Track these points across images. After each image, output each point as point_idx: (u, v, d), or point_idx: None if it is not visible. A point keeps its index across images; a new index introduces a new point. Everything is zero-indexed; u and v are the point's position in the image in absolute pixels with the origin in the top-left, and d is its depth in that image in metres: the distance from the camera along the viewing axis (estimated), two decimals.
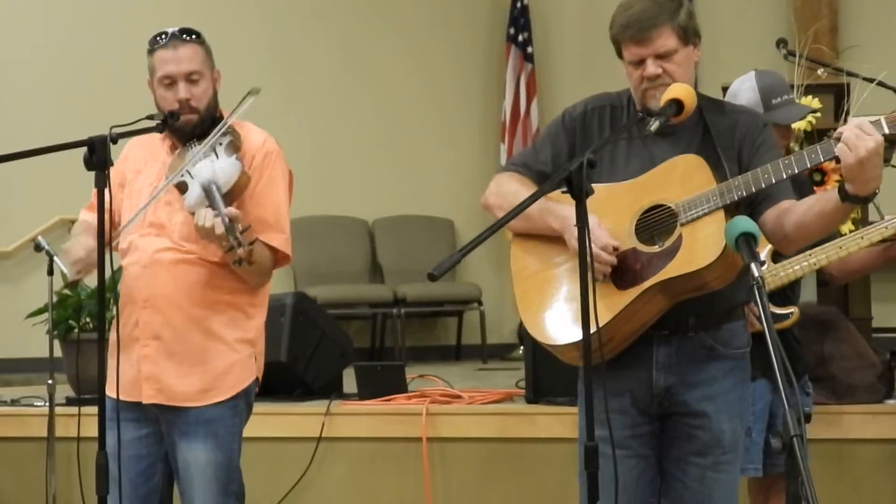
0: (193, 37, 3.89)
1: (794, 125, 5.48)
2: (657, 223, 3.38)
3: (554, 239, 3.46)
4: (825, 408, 5.18)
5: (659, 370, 3.43)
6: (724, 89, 5.36)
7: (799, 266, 4.29)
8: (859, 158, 3.06)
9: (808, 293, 5.45)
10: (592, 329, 3.07)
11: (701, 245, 3.26)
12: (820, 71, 6.04)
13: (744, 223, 2.97)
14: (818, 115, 5.52)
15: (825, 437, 5.13)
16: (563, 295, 3.43)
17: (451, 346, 9.96)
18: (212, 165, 3.74)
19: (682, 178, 3.35)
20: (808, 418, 2.63)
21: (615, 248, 3.34)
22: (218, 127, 3.81)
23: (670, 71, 3.39)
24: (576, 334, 3.30)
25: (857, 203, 3.18)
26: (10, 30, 9.56)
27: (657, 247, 3.34)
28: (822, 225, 3.30)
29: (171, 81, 3.85)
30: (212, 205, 3.67)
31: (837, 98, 6.01)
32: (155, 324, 3.85)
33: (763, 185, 3.26)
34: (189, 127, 3.85)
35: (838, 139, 3.11)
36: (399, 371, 6.23)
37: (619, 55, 3.48)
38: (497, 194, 3.58)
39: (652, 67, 3.39)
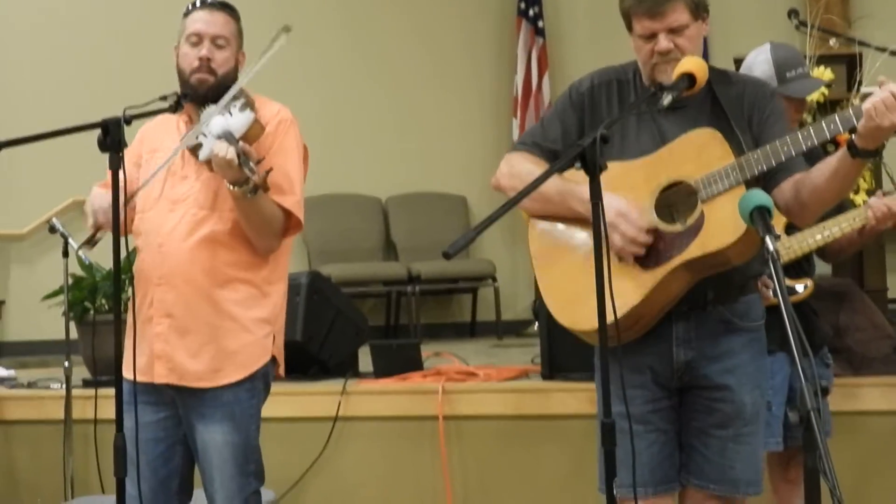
0: (230, 10, 3.95)
1: (808, 97, 5.47)
2: (677, 200, 3.36)
3: (573, 221, 3.45)
4: (841, 380, 5.16)
5: (679, 345, 3.44)
6: (736, 61, 5.36)
7: (813, 239, 4.27)
8: (881, 126, 3.08)
9: (823, 265, 5.44)
10: (620, 312, 3.06)
11: (724, 223, 3.25)
12: (832, 41, 6.02)
13: (758, 196, 2.97)
14: (831, 86, 5.49)
15: (841, 410, 5.12)
16: (586, 279, 3.34)
17: (465, 322, 9.96)
18: (225, 120, 3.74)
19: (698, 153, 3.34)
20: (825, 392, 2.63)
21: (649, 231, 3.33)
22: (236, 84, 3.80)
23: (681, 46, 3.38)
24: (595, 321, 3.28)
25: (867, 157, 3.19)
26: (24, 11, 9.56)
27: (679, 225, 3.33)
28: (836, 185, 3.29)
29: (197, 39, 3.88)
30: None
31: (850, 68, 5.98)
32: (168, 301, 3.84)
33: (783, 158, 3.26)
34: (204, 88, 3.85)
35: (859, 107, 3.11)
36: (414, 349, 6.24)
37: (629, 28, 3.46)
38: (510, 175, 3.57)
39: (664, 42, 3.38)
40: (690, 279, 3.34)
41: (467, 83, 10.24)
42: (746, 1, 9.90)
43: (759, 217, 2.95)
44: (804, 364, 2.63)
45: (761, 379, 3.55)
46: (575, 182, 3.38)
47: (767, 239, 2.87)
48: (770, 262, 2.83)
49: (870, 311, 5.33)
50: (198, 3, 3.93)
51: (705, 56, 3.42)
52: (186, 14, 3.95)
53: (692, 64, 3.33)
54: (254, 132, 3.76)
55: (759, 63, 4.30)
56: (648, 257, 3.33)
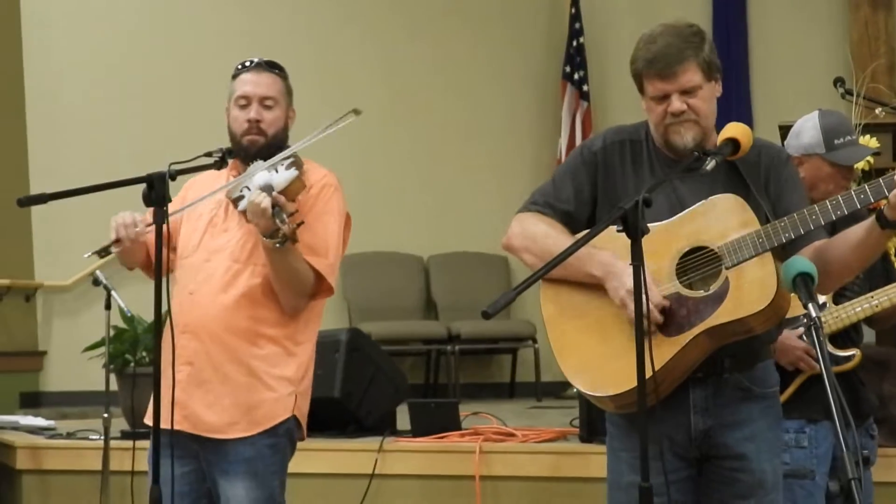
0: (278, 70, 4.01)
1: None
2: (700, 266, 3.32)
3: (588, 285, 3.39)
4: (884, 450, 5.10)
5: (697, 413, 3.38)
6: (781, 128, 5.34)
7: (861, 308, 4.23)
8: None
9: (866, 333, 5.39)
10: (647, 375, 3.02)
11: (750, 290, 3.21)
12: (878, 110, 6.00)
13: (801, 263, 2.95)
14: (877, 154, 5.47)
15: (884, 480, 5.06)
16: (606, 344, 3.35)
17: (505, 383, 9.92)
18: (269, 175, 3.78)
19: (721, 219, 3.29)
20: (867, 462, 2.60)
21: (664, 309, 3.27)
22: (290, 149, 3.86)
23: (695, 106, 3.34)
24: (622, 385, 3.24)
25: (895, 228, 3.16)
26: (73, 67, 9.69)
27: (702, 292, 3.28)
28: (861, 255, 3.27)
29: (246, 102, 3.94)
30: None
31: (895, 137, 5.96)
32: (190, 349, 3.86)
33: (812, 227, 3.23)
34: (254, 148, 3.90)
35: (891, 177, 3.10)
36: (453, 408, 6.22)
37: (640, 90, 3.42)
38: (523, 236, 3.51)
39: (677, 103, 3.33)
40: (711, 346, 3.29)
41: (510, 145, 10.27)
42: (792, 68, 9.92)
43: (802, 284, 2.93)
44: (845, 434, 2.60)
45: (779, 446, 3.50)
46: (592, 246, 3.29)
47: (810, 306, 2.86)
48: (813, 330, 2.81)
49: None
50: (245, 64, 3.99)
51: (750, 123, 3.41)
52: (235, 76, 4.01)
53: (737, 130, 3.31)
54: (294, 188, 3.79)
55: (807, 129, 4.28)
56: (670, 324, 3.27)
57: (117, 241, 3.85)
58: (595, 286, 3.37)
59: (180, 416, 3.84)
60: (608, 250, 3.32)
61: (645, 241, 3.09)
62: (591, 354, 3.38)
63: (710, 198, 3.33)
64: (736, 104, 9.75)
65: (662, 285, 3.31)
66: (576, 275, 3.39)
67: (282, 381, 3.89)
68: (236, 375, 3.85)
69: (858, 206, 3.21)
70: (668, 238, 3.32)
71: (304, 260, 3.81)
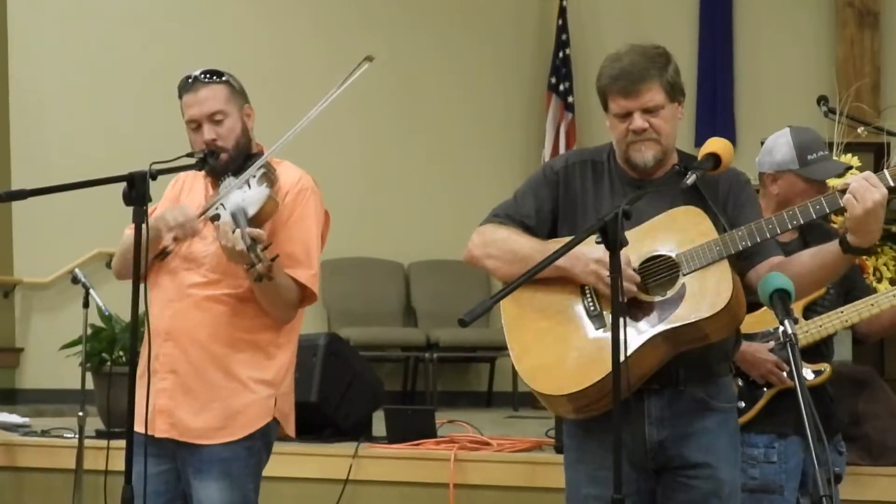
0: (214, 77, 3.94)
1: (832, 183, 5.47)
2: (657, 273, 3.35)
3: (547, 288, 3.41)
4: (858, 468, 5.12)
5: (651, 424, 3.40)
6: (764, 144, 5.36)
7: (830, 323, 4.25)
8: (866, 209, 3.11)
9: (844, 351, 5.41)
10: (594, 379, 3.08)
11: (705, 295, 3.26)
12: (860, 129, 6.03)
13: (778, 280, 2.98)
14: (857, 173, 5.49)
15: (858, 499, 5.07)
16: (565, 343, 3.37)
17: (482, 392, 9.92)
18: (242, 194, 3.77)
19: (681, 229, 3.35)
20: (838, 479, 2.62)
21: (629, 262, 3.30)
22: (312, 112, 3.85)
23: (656, 126, 3.39)
24: (580, 382, 3.26)
25: (858, 254, 3.22)
26: (54, 65, 9.67)
27: (658, 296, 3.32)
28: (822, 276, 3.32)
29: (196, 125, 3.91)
30: (237, 226, 3.68)
31: (877, 157, 5.99)
32: (174, 358, 3.86)
33: (768, 236, 3.27)
34: (220, 166, 3.89)
35: (843, 191, 3.13)
36: (429, 416, 6.22)
37: (605, 107, 3.49)
38: (483, 244, 3.56)
39: (639, 121, 3.38)
40: (667, 352, 3.31)
41: (493, 155, 10.27)
42: (777, 85, 9.95)
43: (778, 300, 2.96)
44: (818, 450, 2.62)
45: (737, 459, 3.51)
46: (551, 243, 3.37)
47: (786, 323, 2.88)
48: (788, 345, 2.83)
49: (889, 400, 5.31)
50: (185, 85, 3.94)
51: (733, 139, 3.45)
52: (180, 96, 3.97)
53: (718, 145, 3.35)
54: (267, 210, 3.77)
55: (780, 146, 4.31)
56: (627, 327, 3.26)
57: (176, 241, 3.84)
58: (558, 285, 3.40)
59: (166, 424, 3.85)
60: None
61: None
62: (549, 354, 3.39)
63: (671, 210, 3.39)
64: (720, 120, 9.77)
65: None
66: (544, 271, 3.37)
67: (261, 383, 3.90)
68: (220, 381, 3.86)
69: (814, 217, 3.26)
70: (629, 246, 3.30)
71: (285, 275, 3.81)
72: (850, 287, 4.36)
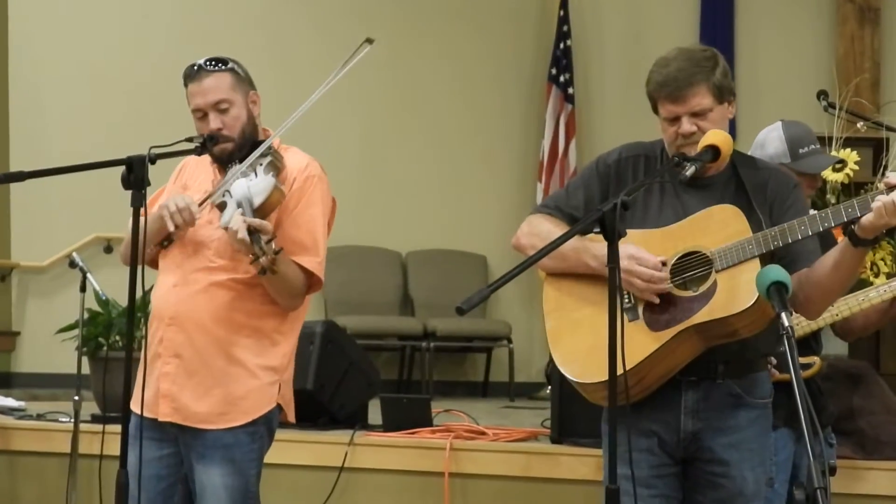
0: (219, 65, 3.93)
1: (832, 178, 5.48)
2: (692, 269, 3.42)
3: (588, 278, 3.50)
4: (852, 462, 5.13)
5: (687, 415, 3.47)
6: None
7: (830, 313, 4.25)
8: (888, 224, 3.15)
9: (840, 346, 5.42)
10: (620, 370, 3.08)
11: (736, 292, 3.31)
12: (860, 124, 6.03)
13: (775, 272, 2.98)
14: (856, 167, 5.50)
15: (852, 493, 5.09)
16: (596, 334, 3.42)
17: (478, 382, 9.93)
18: (247, 183, 3.77)
19: (717, 227, 3.40)
20: (832, 471, 2.62)
21: (664, 263, 3.38)
22: (312, 96, 3.86)
23: (705, 129, 3.44)
24: (599, 375, 3.31)
25: (868, 245, 3.25)
26: (54, 49, 9.66)
27: (691, 291, 3.38)
28: (839, 277, 3.34)
29: (202, 114, 3.91)
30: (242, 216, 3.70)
31: (876, 152, 6.00)
32: (177, 342, 3.86)
33: (799, 237, 3.31)
34: (225, 155, 3.89)
35: (878, 193, 3.14)
36: (425, 405, 6.22)
37: (655, 111, 3.53)
38: (529, 234, 3.62)
39: (687, 125, 3.44)
40: (698, 345, 3.38)
41: (493, 145, 10.27)
42: (777, 81, 9.96)
43: (775, 293, 2.96)
44: (813, 442, 2.62)
45: (765, 456, 3.57)
46: (591, 240, 3.43)
47: (783, 315, 2.88)
48: (784, 338, 2.83)
49: (884, 395, 5.31)
50: (189, 73, 3.94)
51: (733, 133, 3.47)
52: (185, 85, 3.96)
53: (717, 137, 3.38)
54: (273, 200, 3.77)
55: (771, 140, 4.33)
56: (659, 320, 3.38)
57: (177, 229, 3.80)
58: (594, 279, 3.47)
59: (170, 408, 3.86)
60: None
61: (646, 243, 3.32)
62: (583, 344, 3.47)
63: (710, 208, 3.45)
64: None
65: None
66: (575, 266, 3.52)
67: (266, 369, 3.90)
68: (224, 366, 3.86)
69: (845, 219, 3.26)
70: (665, 242, 3.44)
71: (292, 264, 3.81)
72: None
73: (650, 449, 3.47)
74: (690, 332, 3.34)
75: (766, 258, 3.34)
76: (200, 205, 3.81)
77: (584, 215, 3.52)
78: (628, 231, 3.22)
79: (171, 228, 3.77)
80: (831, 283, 3.35)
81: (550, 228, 3.55)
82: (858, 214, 3.23)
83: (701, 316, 3.33)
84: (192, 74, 3.92)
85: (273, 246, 3.62)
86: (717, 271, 3.36)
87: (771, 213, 3.47)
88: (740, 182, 3.50)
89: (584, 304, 3.51)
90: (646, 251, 3.40)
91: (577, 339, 3.50)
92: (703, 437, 3.47)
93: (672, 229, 3.46)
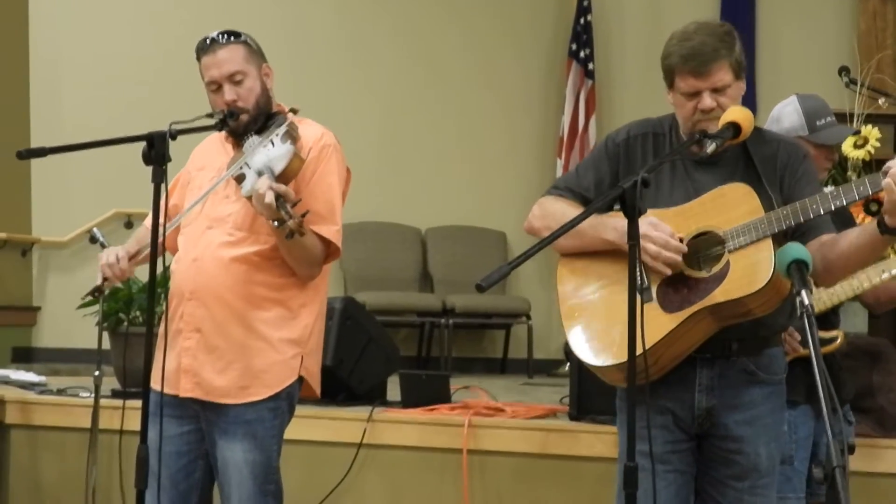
0: (232, 38, 3.94)
1: (853, 154, 5.45)
2: (704, 249, 3.42)
3: (602, 259, 3.50)
4: (871, 440, 5.12)
5: (701, 392, 3.49)
6: None
7: (842, 290, 4.25)
8: None
9: (859, 323, 5.41)
10: (638, 350, 3.08)
11: (750, 272, 3.30)
12: (881, 101, 6.00)
13: (796, 250, 2.98)
14: (878, 144, 5.48)
15: (871, 471, 5.08)
16: (611, 316, 3.44)
17: (497, 358, 9.94)
18: (266, 152, 3.78)
19: (729, 206, 3.40)
20: (851, 449, 2.62)
21: (680, 239, 3.37)
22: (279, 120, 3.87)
23: (724, 104, 3.43)
24: (621, 356, 3.32)
25: (895, 234, 3.22)
26: (73, 25, 9.67)
27: (704, 272, 3.38)
28: (861, 256, 3.35)
29: (216, 86, 3.92)
30: None
31: None
32: (198, 317, 3.88)
33: (811, 216, 3.31)
34: (241, 127, 3.89)
35: (886, 172, 3.12)
36: (444, 381, 6.23)
37: (670, 84, 3.50)
38: (542, 216, 3.62)
39: (708, 100, 3.42)
40: (712, 326, 3.38)
41: (512, 121, 10.26)
42: (797, 57, 9.91)
43: (796, 271, 2.96)
44: (832, 420, 2.62)
45: (779, 432, 3.59)
46: (606, 216, 3.43)
47: (804, 293, 2.87)
48: (804, 316, 2.83)
49: None
50: (203, 46, 3.95)
51: (754, 109, 3.45)
52: (198, 59, 3.98)
53: (738, 114, 3.37)
54: (293, 167, 3.79)
55: (787, 114, 4.32)
56: (672, 301, 3.38)
57: (105, 280, 3.90)
58: (611, 257, 3.48)
59: (191, 383, 3.88)
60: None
61: (661, 219, 3.26)
62: (598, 325, 3.48)
63: (721, 186, 3.44)
64: None
65: None
66: (592, 243, 3.51)
67: (287, 342, 3.92)
68: (245, 339, 3.88)
69: (857, 198, 3.26)
70: (678, 222, 3.43)
71: (311, 232, 3.82)
72: None
73: (665, 425, 3.48)
74: (704, 313, 3.35)
75: (779, 236, 3.34)
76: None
77: (601, 194, 3.51)
78: (652, 210, 3.25)
79: (99, 279, 3.89)
80: (853, 259, 3.35)
81: (564, 208, 3.55)
82: (871, 192, 3.23)
83: (715, 297, 3.33)
84: (206, 47, 3.93)
85: (298, 210, 3.64)
86: (729, 251, 3.36)
87: (781, 185, 3.46)
88: (749, 156, 3.49)
89: (599, 284, 3.52)
90: (662, 225, 3.39)
91: (592, 321, 3.50)
92: (717, 413, 3.48)
93: (684, 209, 3.45)
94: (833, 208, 3.29)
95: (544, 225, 3.58)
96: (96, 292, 3.93)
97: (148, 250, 3.68)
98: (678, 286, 3.38)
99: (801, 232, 3.37)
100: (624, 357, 3.24)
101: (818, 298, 4.23)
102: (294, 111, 4.02)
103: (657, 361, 3.36)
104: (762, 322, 3.41)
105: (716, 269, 3.37)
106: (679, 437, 3.51)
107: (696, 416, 3.49)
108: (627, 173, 3.53)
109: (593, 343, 3.48)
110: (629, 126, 3.66)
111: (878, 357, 5.19)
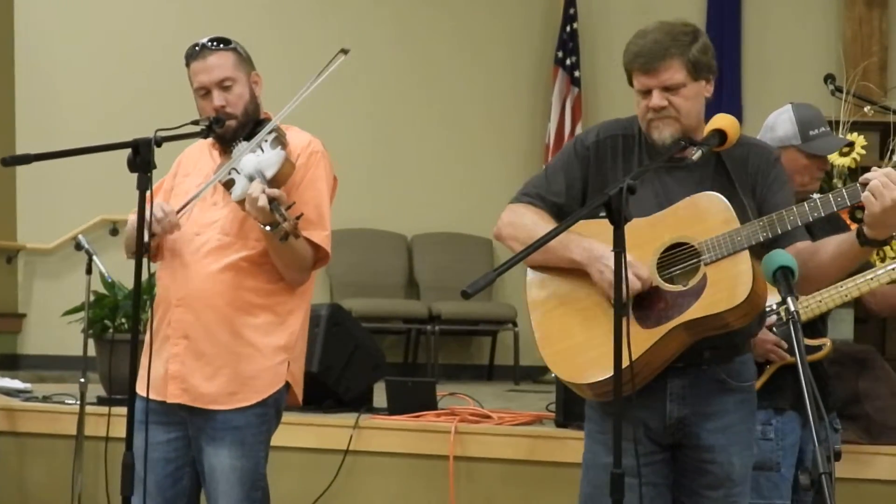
0: (222, 45, 3.94)
1: (839, 162, 5.46)
2: (679, 261, 3.36)
3: (571, 272, 3.43)
4: (858, 447, 5.13)
5: (673, 401, 3.44)
6: None
7: (830, 297, 4.25)
8: (884, 207, 3.10)
9: (846, 330, 5.41)
10: (624, 363, 3.06)
11: (726, 286, 3.26)
12: (867, 108, 6.02)
13: (782, 257, 2.97)
14: (863, 152, 5.49)
15: (857, 477, 5.09)
16: (586, 332, 3.39)
17: (483, 365, 9.94)
18: (257, 158, 3.78)
19: (703, 216, 3.34)
20: (837, 456, 2.62)
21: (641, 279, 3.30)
22: (289, 104, 3.87)
23: (676, 104, 3.38)
24: (601, 373, 3.29)
25: (874, 246, 3.23)
26: (58, 31, 9.66)
27: (681, 286, 3.32)
28: (840, 265, 3.33)
29: (205, 91, 3.91)
30: None
31: (883, 136, 5.98)
32: (186, 323, 3.87)
33: (789, 227, 3.28)
34: (230, 133, 3.89)
35: (865, 184, 3.13)
36: (430, 388, 6.23)
37: (630, 83, 3.46)
38: (512, 226, 3.55)
39: (657, 99, 3.38)
40: (688, 339, 3.33)
41: (499, 128, 10.26)
42: (784, 64, 9.93)
43: (782, 278, 2.95)
44: (818, 427, 2.62)
45: (751, 440, 3.57)
46: (577, 232, 3.35)
47: (789, 300, 2.88)
48: (790, 323, 2.83)
49: (890, 380, 5.31)
50: (192, 52, 3.94)
51: (740, 117, 3.44)
52: (187, 64, 3.97)
53: (724, 121, 3.35)
54: (285, 172, 3.79)
55: (781, 122, 4.31)
56: (649, 316, 3.31)
57: (154, 237, 3.78)
58: (579, 274, 3.41)
59: (179, 389, 3.87)
60: (593, 238, 3.35)
61: (628, 233, 3.09)
62: (572, 342, 3.41)
63: (693, 196, 3.37)
64: (727, 98, 9.75)
65: None
66: (558, 260, 3.43)
67: (276, 350, 3.92)
68: (233, 345, 3.87)
69: (835, 209, 3.25)
70: (651, 232, 3.36)
71: (302, 239, 3.82)
72: None
73: (636, 438, 3.39)
74: (681, 328, 3.29)
75: (756, 247, 3.30)
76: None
77: (572, 198, 3.49)
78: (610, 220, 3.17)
79: (147, 238, 3.80)
80: (830, 270, 3.33)
81: (535, 220, 3.48)
82: (848, 204, 3.22)
83: (693, 312, 3.27)
84: (195, 54, 3.93)
85: (292, 213, 3.63)
86: (705, 264, 3.30)
87: (754, 190, 3.42)
88: (720, 160, 3.43)
89: (572, 298, 3.44)
90: (639, 263, 3.30)
91: (566, 337, 3.43)
92: (689, 422, 3.44)
93: (656, 219, 3.37)
94: (811, 219, 3.27)
95: (511, 234, 3.52)
96: (145, 251, 3.85)
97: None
98: (654, 301, 3.32)
99: (773, 239, 3.31)
100: (604, 374, 3.25)
101: (807, 307, 4.23)
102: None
103: (634, 378, 3.25)
104: (735, 331, 3.37)
105: (692, 282, 3.30)
106: (651, 448, 3.44)
107: (668, 425, 3.44)
108: (598, 176, 3.48)
109: (570, 361, 3.41)
110: (598, 128, 3.60)
111: (865, 364, 5.20)
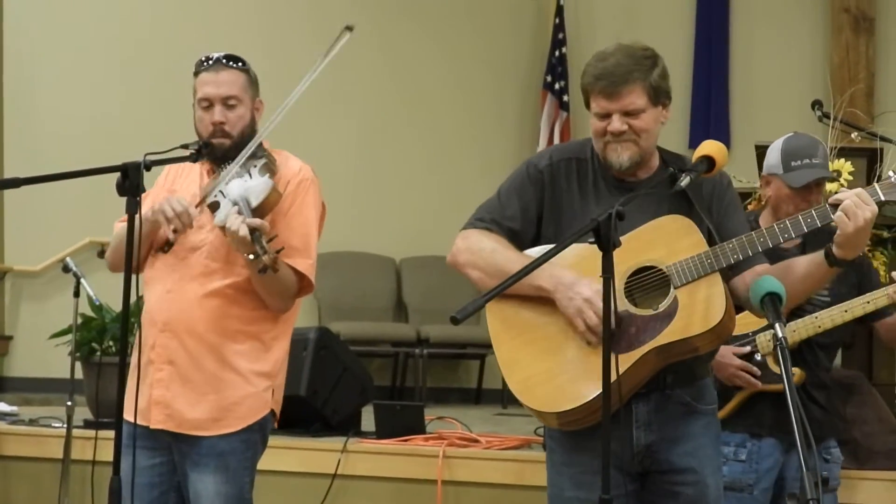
0: (238, 63, 3.94)
1: (828, 188, 5.47)
2: (648, 285, 3.32)
3: (532, 299, 3.36)
4: (846, 472, 5.13)
5: (639, 428, 3.38)
6: (758, 147, 5.37)
7: (804, 327, 4.25)
8: (857, 227, 3.13)
9: (837, 357, 5.42)
10: (590, 396, 3.08)
11: (700, 308, 3.23)
12: (854, 134, 6.03)
13: (769, 283, 2.98)
14: (850, 178, 5.50)
15: (845, 503, 5.08)
16: (553, 360, 3.33)
17: (471, 389, 9.92)
18: (244, 184, 3.77)
19: (670, 239, 3.30)
20: (825, 482, 2.62)
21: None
22: (302, 81, 3.84)
23: (636, 128, 3.34)
24: (567, 402, 3.25)
25: (843, 266, 3.25)
26: (47, 52, 9.65)
27: (651, 310, 3.27)
28: (805, 287, 3.35)
29: (208, 104, 3.89)
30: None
31: (870, 162, 5.98)
32: (171, 349, 3.85)
33: (760, 249, 3.27)
34: (221, 151, 3.88)
35: (835, 205, 3.14)
36: (418, 412, 6.22)
37: (587, 105, 3.41)
38: (469, 252, 3.49)
39: (617, 123, 3.33)
40: (658, 364, 3.29)
41: (490, 151, 10.26)
42: (772, 90, 9.97)
43: (770, 304, 2.97)
44: (806, 455, 2.62)
45: (720, 462, 3.55)
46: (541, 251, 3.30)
47: (777, 326, 2.88)
48: (778, 349, 2.84)
49: (877, 405, 5.32)
50: (205, 63, 3.93)
51: (727, 142, 3.44)
52: (196, 73, 3.95)
53: (712, 148, 3.32)
54: (271, 200, 3.77)
55: (772, 150, 4.34)
56: (620, 343, 3.23)
57: (176, 233, 3.76)
58: (541, 300, 3.35)
59: (163, 415, 3.84)
60: (559, 265, 3.30)
61: (594, 259, 3.06)
62: (538, 370, 3.34)
63: (658, 219, 3.34)
64: (714, 123, 9.79)
65: None
66: (522, 287, 3.31)
67: (260, 376, 3.90)
68: (218, 372, 3.85)
69: (805, 230, 3.26)
70: (618, 255, 3.21)
71: (285, 265, 3.80)
72: (862, 281, 4.37)
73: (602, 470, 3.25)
74: (653, 353, 3.24)
75: (726, 271, 3.28)
76: (197, 206, 3.80)
77: (527, 221, 3.43)
78: (577, 246, 3.14)
79: (171, 236, 3.76)
80: (797, 291, 3.32)
81: (494, 246, 3.42)
82: (818, 225, 3.23)
83: (665, 337, 3.23)
84: (208, 66, 3.91)
85: (274, 245, 3.62)
86: (675, 287, 3.26)
87: (710, 212, 3.39)
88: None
89: (535, 325, 3.37)
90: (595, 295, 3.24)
91: (531, 365, 3.35)
92: (658, 448, 3.39)
93: (623, 242, 3.24)
94: (782, 241, 3.27)
95: (470, 261, 3.48)
96: (166, 247, 3.83)
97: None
98: (625, 325, 3.25)
99: (735, 264, 3.29)
100: (572, 403, 3.22)
101: (794, 330, 4.22)
102: None
103: (599, 409, 3.14)
104: (698, 356, 3.34)
105: (663, 306, 3.26)
106: (618, 479, 3.28)
107: (636, 453, 3.38)
108: (553, 199, 3.44)
109: (536, 390, 3.32)
110: (551, 150, 3.55)
111: (852, 390, 5.21)
